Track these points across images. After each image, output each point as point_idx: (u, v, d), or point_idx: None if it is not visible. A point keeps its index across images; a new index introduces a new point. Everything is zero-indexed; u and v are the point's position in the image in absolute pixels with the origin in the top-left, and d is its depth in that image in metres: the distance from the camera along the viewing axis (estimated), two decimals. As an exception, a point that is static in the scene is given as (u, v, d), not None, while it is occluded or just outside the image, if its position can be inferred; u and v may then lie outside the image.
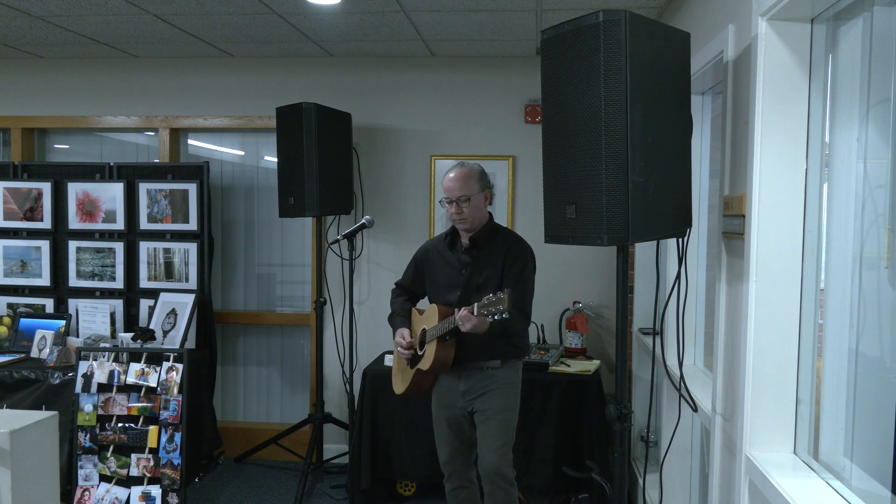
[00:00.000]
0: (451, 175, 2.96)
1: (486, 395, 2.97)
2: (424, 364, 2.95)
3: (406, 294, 3.24)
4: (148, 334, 3.98)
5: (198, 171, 4.44)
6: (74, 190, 4.50)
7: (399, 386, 3.17)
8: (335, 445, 4.59)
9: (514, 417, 3.02)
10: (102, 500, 3.70)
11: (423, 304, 3.20)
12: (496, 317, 2.56)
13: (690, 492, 3.18)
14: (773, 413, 2.02)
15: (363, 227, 3.84)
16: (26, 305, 4.57)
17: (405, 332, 3.06)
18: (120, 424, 3.73)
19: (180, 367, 3.73)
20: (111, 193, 4.48)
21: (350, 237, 3.82)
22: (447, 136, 4.57)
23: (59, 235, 4.56)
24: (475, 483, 3.13)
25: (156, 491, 3.68)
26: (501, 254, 2.95)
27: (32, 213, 4.54)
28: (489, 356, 2.96)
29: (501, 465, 2.94)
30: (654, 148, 1.96)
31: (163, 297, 4.35)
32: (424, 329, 3.01)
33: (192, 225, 4.42)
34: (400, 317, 3.15)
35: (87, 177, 4.53)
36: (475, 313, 2.63)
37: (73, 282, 4.53)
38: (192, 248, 4.43)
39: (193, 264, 4.43)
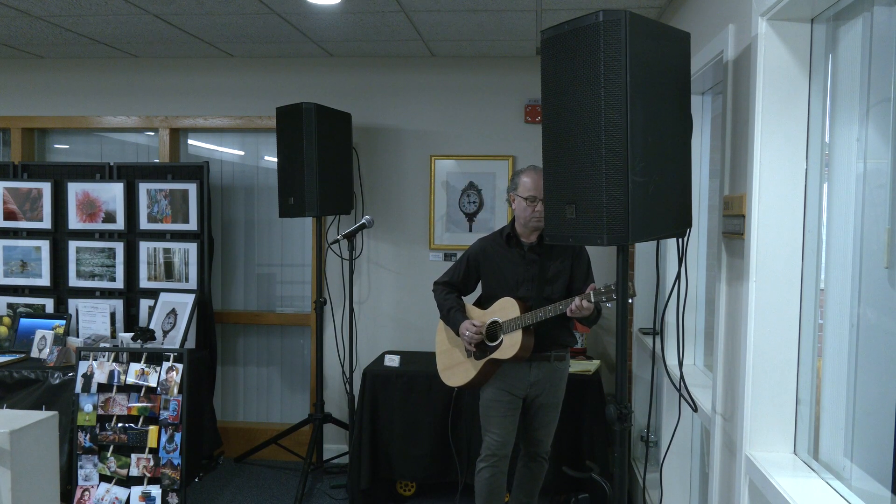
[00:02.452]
0: (535, 175, 3.08)
1: (553, 385, 3.20)
2: (505, 353, 3.05)
3: (456, 291, 3.35)
4: (148, 334, 3.98)
5: (198, 171, 4.44)
6: (74, 190, 4.50)
7: (457, 378, 3.25)
8: (335, 445, 4.59)
9: None
10: (102, 500, 3.70)
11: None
12: (609, 304, 2.72)
13: (690, 492, 3.18)
14: (773, 413, 2.02)
15: (363, 227, 3.85)
16: (26, 305, 4.57)
17: (471, 325, 3.17)
18: (120, 424, 3.73)
19: (180, 367, 3.73)
20: (111, 193, 4.48)
21: (350, 237, 3.83)
22: (447, 136, 4.57)
23: (59, 235, 4.56)
24: (507, 467, 3.24)
25: (156, 491, 3.68)
26: (567, 251, 3.16)
27: (32, 213, 4.55)
28: (556, 345, 3.17)
29: (550, 444, 3.30)
30: (654, 148, 1.96)
31: (163, 297, 4.35)
32: (497, 321, 3.11)
33: (192, 225, 4.42)
34: (459, 312, 3.25)
35: (87, 177, 4.53)
36: (592, 301, 2.76)
37: (73, 282, 4.53)
38: (192, 248, 4.43)
39: (193, 264, 4.43)
